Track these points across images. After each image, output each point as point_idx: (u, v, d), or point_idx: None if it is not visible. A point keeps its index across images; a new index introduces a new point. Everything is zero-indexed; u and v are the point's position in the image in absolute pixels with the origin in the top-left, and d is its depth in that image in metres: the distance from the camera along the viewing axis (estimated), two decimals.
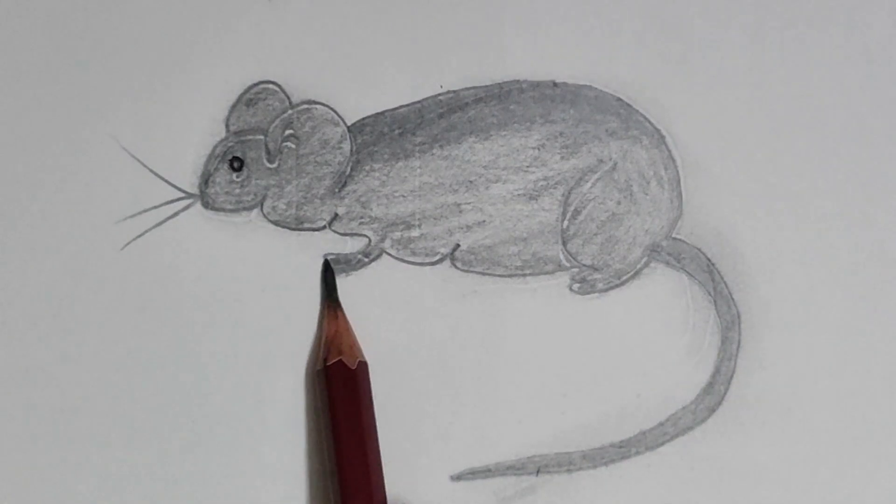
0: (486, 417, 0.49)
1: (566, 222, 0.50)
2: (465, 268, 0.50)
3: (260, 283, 0.49)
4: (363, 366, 0.48)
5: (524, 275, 0.50)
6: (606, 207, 0.50)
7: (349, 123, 0.50)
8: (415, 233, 0.50)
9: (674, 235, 0.50)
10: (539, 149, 0.50)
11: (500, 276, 0.50)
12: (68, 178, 0.49)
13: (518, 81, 0.50)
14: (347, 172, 0.50)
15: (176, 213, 0.49)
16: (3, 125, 0.49)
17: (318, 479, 0.48)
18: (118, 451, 0.49)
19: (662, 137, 0.50)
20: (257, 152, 0.49)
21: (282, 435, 0.49)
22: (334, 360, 0.48)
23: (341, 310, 0.49)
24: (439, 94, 0.50)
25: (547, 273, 0.50)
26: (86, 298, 0.49)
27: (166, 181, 0.49)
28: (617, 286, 0.50)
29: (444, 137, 0.50)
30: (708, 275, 0.50)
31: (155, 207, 0.49)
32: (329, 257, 0.49)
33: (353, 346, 0.48)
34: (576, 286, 0.50)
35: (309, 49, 0.50)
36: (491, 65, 0.50)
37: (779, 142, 0.51)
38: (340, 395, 0.47)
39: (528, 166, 0.50)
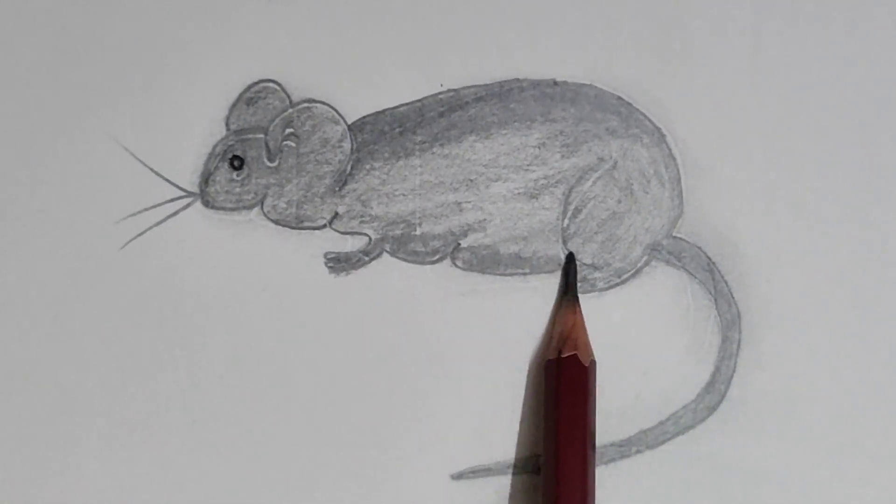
0: (485, 416, 0.49)
1: (566, 221, 0.50)
2: (466, 267, 0.50)
3: (260, 282, 0.49)
4: (594, 365, 0.48)
5: (524, 274, 0.50)
6: (607, 206, 0.50)
7: (349, 122, 0.50)
8: (415, 231, 0.50)
9: (674, 234, 0.50)
10: (539, 147, 0.50)
11: (500, 275, 0.50)
12: (68, 178, 0.49)
13: (518, 80, 0.50)
14: (348, 171, 0.50)
15: (176, 212, 0.49)
16: (2, 125, 0.49)
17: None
18: (118, 451, 0.48)
19: (663, 136, 0.50)
20: (257, 151, 0.50)
21: (286, 436, 0.49)
22: (569, 354, 0.48)
23: (579, 305, 0.49)
24: (440, 93, 0.50)
25: (547, 272, 0.50)
26: (86, 298, 0.49)
27: (166, 180, 0.49)
28: (617, 285, 0.50)
29: (445, 136, 0.50)
30: (708, 273, 0.50)
31: (155, 206, 0.49)
32: (328, 256, 0.49)
33: (588, 344, 0.48)
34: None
35: (309, 48, 0.50)
36: (491, 63, 0.50)
37: (779, 141, 0.51)
38: (569, 389, 0.47)
39: (528, 165, 0.50)
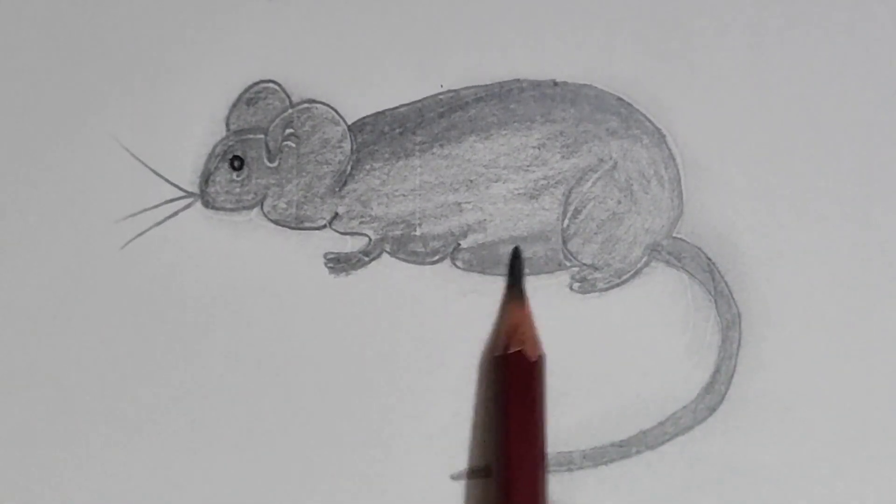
0: (485, 417, 0.49)
1: (566, 221, 0.50)
2: (466, 267, 0.50)
3: (260, 283, 0.49)
4: (542, 359, 0.48)
5: (524, 274, 0.50)
6: (607, 207, 0.50)
7: (349, 122, 0.50)
8: (415, 232, 0.50)
9: (674, 235, 0.50)
10: (539, 148, 0.50)
11: (500, 275, 0.50)
12: (68, 177, 0.49)
13: (518, 80, 0.50)
14: (348, 171, 0.50)
15: (176, 213, 0.49)
16: (3, 125, 0.49)
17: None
18: (118, 451, 0.49)
19: (663, 136, 0.50)
20: (258, 151, 0.50)
21: (286, 436, 0.49)
22: (515, 350, 0.48)
23: (526, 300, 0.49)
24: (439, 94, 0.50)
25: (547, 272, 0.50)
26: (86, 298, 0.49)
27: (166, 180, 0.49)
28: (617, 285, 0.50)
29: (445, 136, 0.50)
30: (708, 274, 0.50)
31: (155, 206, 0.49)
32: (328, 256, 0.49)
33: (536, 338, 0.48)
34: (576, 285, 0.50)
35: (309, 49, 0.50)
36: (491, 64, 0.50)
37: (779, 142, 0.51)
38: (516, 386, 0.47)
39: (528, 165, 0.50)
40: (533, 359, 0.47)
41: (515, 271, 0.49)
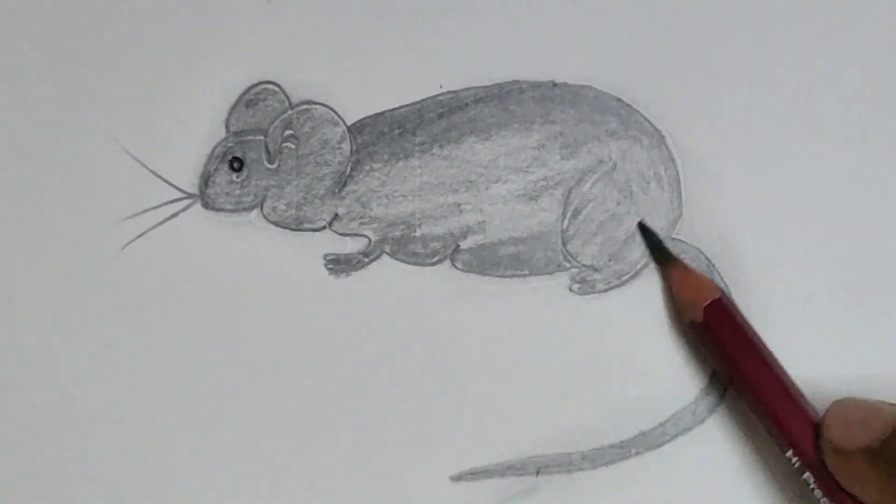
0: (486, 417, 0.49)
1: (566, 222, 0.50)
2: (465, 268, 0.50)
3: (260, 284, 0.49)
4: (710, 308, 0.48)
5: (524, 275, 0.50)
6: (606, 208, 0.50)
7: (349, 123, 0.50)
8: (415, 233, 0.50)
9: (673, 236, 0.50)
10: (539, 149, 0.50)
11: (500, 276, 0.50)
12: (68, 178, 0.49)
13: (518, 81, 0.50)
14: (347, 172, 0.50)
15: (176, 214, 0.49)
16: (3, 125, 0.49)
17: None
18: (118, 451, 0.49)
19: (662, 137, 0.50)
20: (257, 153, 0.50)
21: (286, 437, 0.49)
22: (686, 324, 0.49)
23: (671, 263, 0.49)
24: (439, 94, 0.50)
25: (547, 273, 0.50)
26: (86, 298, 0.49)
27: (166, 181, 0.49)
28: (617, 286, 0.50)
29: (444, 137, 0.50)
30: (708, 275, 0.50)
31: (155, 208, 0.49)
32: (328, 257, 0.50)
33: (694, 298, 0.48)
34: (576, 286, 0.50)
35: (309, 49, 0.50)
36: (491, 65, 0.50)
37: (779, 142, 0.51)
38: (726, 332, 0.48)
39: (527, 166, 0.50)
40: (700, 320, 0.48)
41: (652, 241, 0.50)
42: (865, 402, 0.47)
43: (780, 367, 0.48)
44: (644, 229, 0.50)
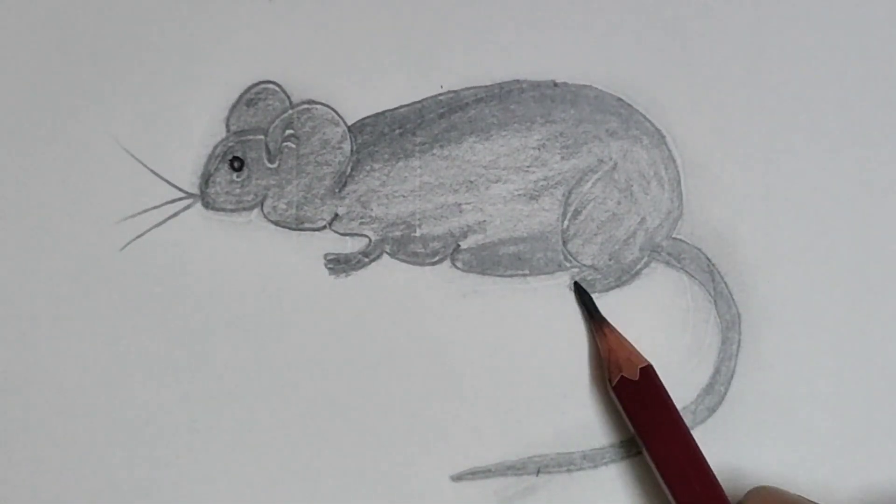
0: (486, 417, 0.49)
1: (566, 222, 0.50)
2: (466, 268, 0.50)
3: (260, 284, 0.49)
4: (646, 371, 0.48)
5: (524, 275, 0.50)
6: (607, 207, 0.50)
7: (349, 123, 0.50)
8: (415, 233, 0.50)
9: (674, 235, 0.50)
10: (539, 149, 0.50)
11: (500, 276, 0.50)
12: (68, 178, 0.49)
13: (518, 81, 0.50)
14: (348, 172, 0.50)
15: (176, 213, 0.49)
16: (3, 125, 0.49)
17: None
18: (118, 451, 0.49)
19: (663, 137, 0.50)
20: (258, 152, 0.50)
21: (286, 436, 0.49)
22: (617, 379, 0.48)
23: (608, 325, 0.49)
24: (439, 94, 0.50)
25: (547, 273, 0.50)
26: (86, 299, 0.49)
27: (167, 181, 0.49)
28: (617, 286, 0.50)
29: (445, 137, 0.50)
30: (708, 275, 0.50)
31: (155, 207, 0.49)
32: (328, 257, 0.50)
33: (630, 358, 0.48)
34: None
35: (309, 49, 0.50)
36: (491, 65, 0.50)
37: (779, 142, 0.51)
38: (635, 407, 0.48)
39: (528, 166, 0.50)
40: (636, 378, 0.48)
41: (586, 303, 0.50)
42: (784, 494, 0.47)
43: (698, 448, 0.48)
44: (579, 290, 0.50)
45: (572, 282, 0.49)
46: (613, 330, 0.49)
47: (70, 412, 0.49)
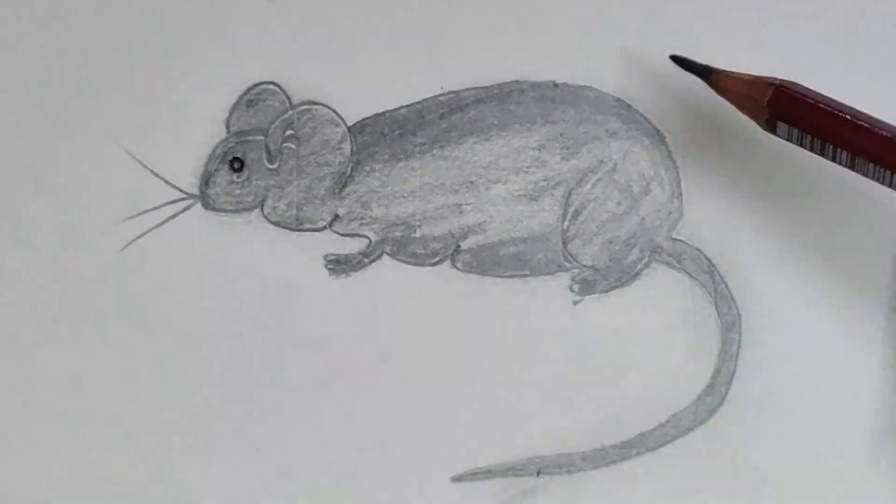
0: (486, 418, 0.49)
1: (566, 223, 0.50)
2: (466, 268, 0.50)
3: (260, 284, 0.49)
4: (777, 90, 0.47)
5: (524, 275, 0.50)
6: (607, 208, 0.50)
7: (349, 124, 0.50)
8: (415, 233, 0.50)
9: (674, 236, 0.50)
10: (539, 149, 0.50)
11: (500, 276, 0.50)
12: (69, 180, 0.49)
13: (518, 82, 0.50)
14: (348, 173, 0.50)
15: (176, 214, 0.49)
16: (3, 126, 0.49)
17: None
18: (118, 451, 0.49)
19: (663, 137, 0.50)
20: (258, 153, 0.50)
21: (286, 438, 0.49)
22: (767, 99, 0.48)
23: (716, 70, 0.49)
24: (439, 95, 0.50)
25: (547, 274, 0.50)
26: (86, 300, 0.49)
27: (166, 182, 0.49)
28: (617, 287, 0.50)
29: (445, 138, 0.50)
30: (708, 275, 0.50)
31: (155, 208, 0.49)
32: (328, 257, 0.50)
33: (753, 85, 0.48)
34: (576, 287, 0.50)
35: (309, 49, 0.50)
36: (491, 65, 0.50)
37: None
38: (800, 113, 0.47)
39: (528, 167, 0.50)
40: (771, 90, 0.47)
41: (689, 63, 0.49)
42: None
43: (870, 118, 0.47)
44: (678, 60, 0.49)
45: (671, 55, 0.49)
46: (723, 77, 0.49)
47: (70, 412, 0.49)
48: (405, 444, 0.49)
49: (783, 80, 0.48)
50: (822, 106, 0.47)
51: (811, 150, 0.48)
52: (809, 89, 0.47)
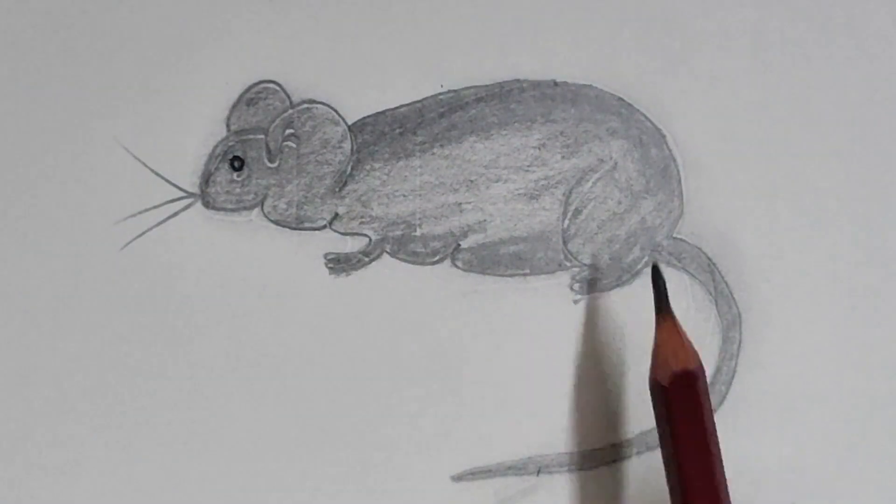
0: (486, 417, 0.49)
1: (567, 222, 0.50)
2: (466, 267, 0.50)
3: (260, 283, 0.49)
4: (680, 377, 0.46)
5: (525, 274, 0.50)
6: (607, 207, 0.50)
7: (350, 123, 0.50)
8: (415, 232, 0.50)
9: (674, 235, 0.50)
10: (540, 148, 0.50)
11: (500, 275, 0.50)
12: (68, 178, 0.49)
13: (519, 81, 0.50)
14: (348, 172, 0.50)
15: (176, 213, 0.49)
16: (3, 125, 0.49)
17: None
18: (118, 451, 0.48)
19: (663, 137, 0.50)
20: (258, 152, 0.50)
21: (286, 437, 0.49)
22: (652, 378, 0.46)
23: (668, 317, 0.47)
24: (440, 94, 0.50)
25: (547, 273, 0.50)
26: (86, 298, 0.49)
27: (167, 181, 0.49)
28: (618, 286, 0.50)
29: (445, 137, 0.50)
30: (709, 274, 0.50)
31: (155, 207, 0.49)
32: (328, 256, 0.49)
33: (670, 358, 0.46)
34: (576, 286, 0.50)
35: (309, 49, 0.50)
36: (491, 64, 0.50)
37: (779, 142, 0.51)
38: (662, 411, 0.46)
39: (528, 166, 0.50)
40: (665, 384, 0.46)
41: (660, 289, 0.48)
42: None
43: (724, 481, 0.46)
44: (656, 274, 0.48)
45: (651, 265, 0.48)
46: (672, 325, 0.47)
47: (70, 412, 0.49)
48: (405, 444, 0.49)
49: (686, 371, 0.46)
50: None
51: None
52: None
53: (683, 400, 0.46)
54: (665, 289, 0.48)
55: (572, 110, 0.50)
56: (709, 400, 0.46)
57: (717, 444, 0.46)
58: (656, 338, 0.47)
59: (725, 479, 0.46)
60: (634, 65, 0.51)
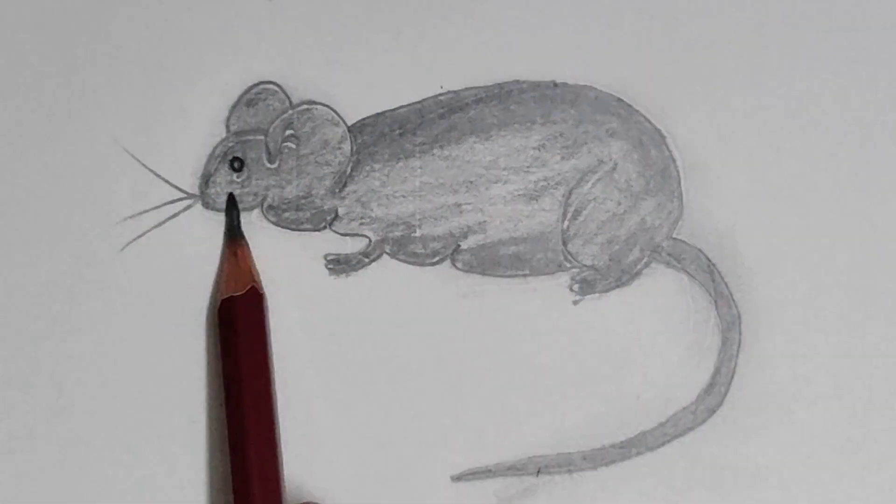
0: (486, 417, 0.49)
1: (566, 223, 0.50)
2: (466, 268, 0.50)
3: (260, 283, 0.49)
4: (256, 295, 0.47)
5: (524, 275, 0.50)
6: (607, 208, 0.50)
7: (349, 124, 0.50)
8: (415, 233, 0.50)
9: (674, 236, 0.50)
10: (539, 149, 0.50)
11: (500, 276, 0.50)
12: (68, 178, 0.49)
13: (518, 81, 0.50)
14: (348, 173, 0.50)
15: (176, 214, 0.49)
16: (3, 125, 0.49)
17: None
18: (118, 451, 0.49)
19: (663, 137, 0.50)
20: (258, 153, 0.49)
21: (285, 437, 0.49)
22: (248, 287, 0.47)
23: (238, 243, 0.48)
24: (439, 95, 0.50)
25: (547, 273, 0.50)
26: (86, 300, 0.49)
27: (167, 181, 0.49)
28: (617, 287, 0.50)
29: (445, 138, 0.50)
30: (708, 275, 0.50)
31: (155, 208, 0.49)
32: (328, 257, 0.49)
33: (231, 279, 0.47)
34: (576, 287, 0.50)
35: (309, 49, 0.50)
36: (491, 65, 0.50)
37: (779, 142, 0.51)
38: (226, 333, 0.47)
39: (528, 167, 0.50)
40: (261, 291, 0.47)
41: (232, 215, 0.49)
42: None
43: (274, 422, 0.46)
44: (232, 202, 0.49)
45: (230, 194, 0.49)
46: (243, 251, 0.48)
47: (70, 412, 0.49)
48: (405, 444, 0.49)
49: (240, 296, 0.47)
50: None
51: None
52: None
53: (232, 323, 0.47)
54: (239, 219, 0.49)
55: (572, 111, 0.50)
56: (262, 326, 0.47)
57: (267, 365, 0.47)
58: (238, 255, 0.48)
59: (272, 408, 0.47)
60: (634, 66, 0.51)
